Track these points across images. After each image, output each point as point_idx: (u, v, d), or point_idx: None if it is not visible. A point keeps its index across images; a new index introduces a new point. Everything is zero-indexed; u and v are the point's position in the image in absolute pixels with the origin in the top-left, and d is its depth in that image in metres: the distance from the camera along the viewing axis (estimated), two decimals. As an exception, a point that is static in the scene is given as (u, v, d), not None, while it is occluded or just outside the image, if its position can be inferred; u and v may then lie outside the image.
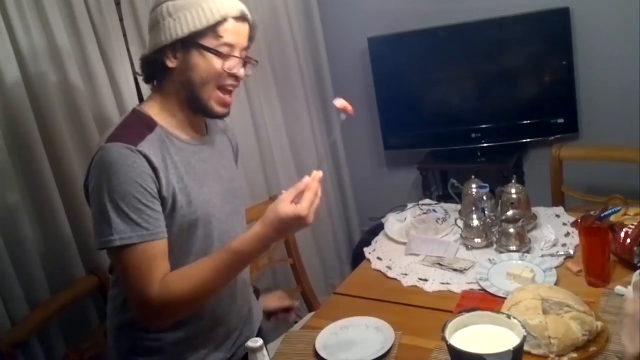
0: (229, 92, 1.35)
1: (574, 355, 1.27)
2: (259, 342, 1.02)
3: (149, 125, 1.32)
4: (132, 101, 2.03)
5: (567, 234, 1.80)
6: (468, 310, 1.19)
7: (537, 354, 1.29)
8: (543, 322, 1.30)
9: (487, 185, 1.94)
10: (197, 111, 1.36)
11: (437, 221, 2.02)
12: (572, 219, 1.88)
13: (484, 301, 1.54)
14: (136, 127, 1.30)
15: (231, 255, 1.23)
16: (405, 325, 1.50)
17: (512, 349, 1.04)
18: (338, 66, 3.26)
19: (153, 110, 1.35)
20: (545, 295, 1.37)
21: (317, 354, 1.45)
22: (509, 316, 1.14)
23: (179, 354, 1.38)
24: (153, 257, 1.22)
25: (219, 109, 1.35)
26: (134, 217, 1.20)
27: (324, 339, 1.49)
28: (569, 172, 2.30)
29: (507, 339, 1.10)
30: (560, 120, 2.74)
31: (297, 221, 1.19)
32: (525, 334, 1.08)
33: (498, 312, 1.17)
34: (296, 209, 1.18)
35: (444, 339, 1.10)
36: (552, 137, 2.73)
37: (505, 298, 1.47)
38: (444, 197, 2.67)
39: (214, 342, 1.43)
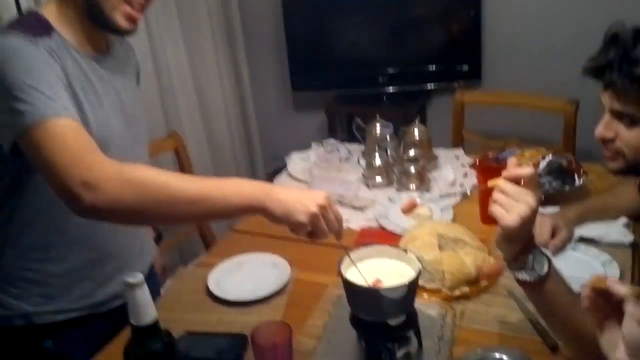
0: (139, 8, 1.18)
1: (466, 289, 1.29)
2: (137, 276, 0.92)
3: (47, 29, 1.14)
4: (8, 16, 1.80)
5: (466, 175, 1.83)
6: (366, 245, 1.16)
7: (431, 288, 1.30)
8: (438, 257, 1.30)
9: (390, 124, 1.93)
10: (99, 23, 1.18)
11: (340, 160, 1.99)
12: (470, 160, 1.91)
13: (382, 238, 1.53)
14: (33, 26, 1.12)
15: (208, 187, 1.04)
16: (302, 261, 1.47)
17: (407, 283, 1.02)
18: (248, 3, 3.10)
19: (50, 16, 1.17)
20: (441, 231, 1.37)
21: (209, 291, 1.38)
22: (405, 250, 1.12)
23: (62, 287, 1.26)
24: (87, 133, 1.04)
25: (123, 22, 1.17)
26: (48, 93, 1.02)
27: (217, 276, 1.43)
28: (470, 119, 2.33)
29: (403, 273, 1.09)
30: (465, 67, 2.78)
31: (312, 196, 1.04)
32: (421, 268, 1.06)
33: (395, 246, 1.15)
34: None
35: (339, 273, 1.07)
36: (456, 84, 2.76)
37: (402, 235, 1.47)
38: (350, 141, 2.64)
39: (102, 276, 1.32)
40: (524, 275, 0.97)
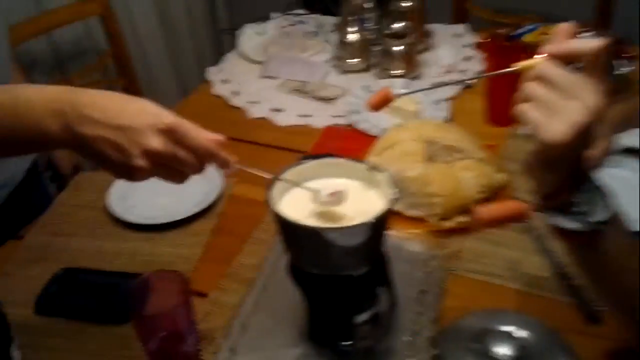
0: None
1: (464, 219, 0.92)
2: None
3: None
4: None
5: (469, 58, 1.40)
6: (316, 157, 0.76)
7: (413, 216, 0.93)
8: (425, 173, 0.92)
9: (373, -11, 1.46)
10: None
11: (305, 36, 1.54)
12: (476, 39, 1.47)
13: (352, 141, 1.15)
14: None
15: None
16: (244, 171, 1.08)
17: (370, 221, 0.64)
18: None
19: None
20: (431, 136, 0.98)
21: (109, 209, 1.00)
22: (373, 167, 0.73)
23: None
24: None
25: None
26: None
27: (123, 188, 1.04)
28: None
29: (367, 203, 0.71)
30: None
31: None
32: (396, 196, 0.68)
33: (358, 160, 0.76)
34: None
35: (269, 201, 0.68)
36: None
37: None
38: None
39: None
40: (568, 223, 0.59)
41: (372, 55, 1.40)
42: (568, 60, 0.54)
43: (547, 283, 0.82)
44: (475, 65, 1.35)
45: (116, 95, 0.60)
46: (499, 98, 1.11)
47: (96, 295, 0.84)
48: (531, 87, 0.56)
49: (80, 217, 1.02)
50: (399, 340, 0.74)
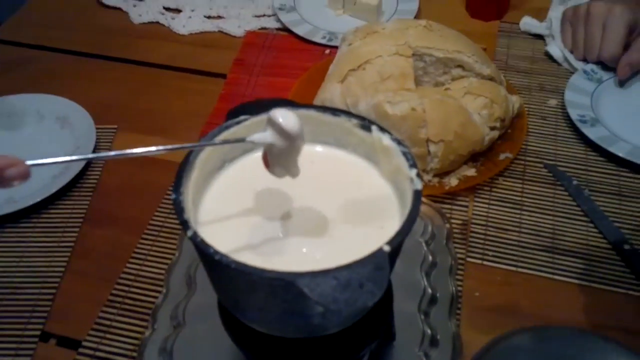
0: None
1: (470, 172, 0.60)
2: None
3: None
4: None
5: None
6: (244, 108, 0.39)
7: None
8: (418, 108, 0.58)
9: None
10: None
11: None
12: None
13: (291, 54, 0.78)
14: None
15: None
16: (127, 111, 0.71)
17: (386, 249, 0.30)
18: None
19: None
20: (419, 45, 0.63)
21: None
22: (366, 124, 0.38)
23: None
24: None
25: None
26: None
27: None
28: None
29: (361, 199, 0.37)
30: None
31: None
32: (419, 187, 0.34)
33: (335, 110, 0.40)
34: None
35: (183, 224, 0.32)
36: None
37: (332, 48, 0.71)
38: None
39: None
40: None
41: None
42: None
43: (601, 266, 0.53)
44: None
45: None
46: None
47: None
48: None
49: None
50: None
